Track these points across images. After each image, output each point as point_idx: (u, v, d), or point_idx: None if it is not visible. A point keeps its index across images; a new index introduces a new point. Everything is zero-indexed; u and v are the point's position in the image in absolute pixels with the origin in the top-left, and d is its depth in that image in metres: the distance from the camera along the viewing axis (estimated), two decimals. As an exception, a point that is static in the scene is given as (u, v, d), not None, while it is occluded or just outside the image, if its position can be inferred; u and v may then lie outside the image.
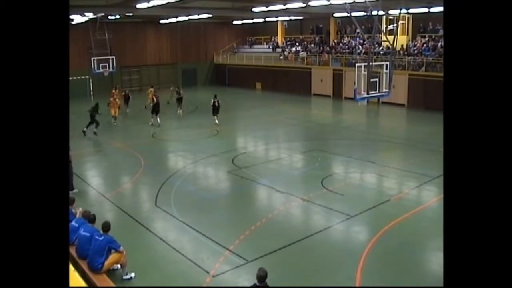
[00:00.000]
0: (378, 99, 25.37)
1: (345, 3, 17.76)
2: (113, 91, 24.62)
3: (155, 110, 21.83)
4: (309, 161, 15.80)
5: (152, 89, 24.78)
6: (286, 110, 26.17)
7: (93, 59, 28.64)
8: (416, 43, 28.17)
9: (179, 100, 24.97)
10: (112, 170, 15.21)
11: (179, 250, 8.85)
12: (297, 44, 37.04)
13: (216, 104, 21.19)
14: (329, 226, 9.94)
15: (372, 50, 22.37)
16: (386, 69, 15.65)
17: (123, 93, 26.20)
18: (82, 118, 19.58)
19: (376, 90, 15.19)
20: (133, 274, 7.83)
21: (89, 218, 8.03)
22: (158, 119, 21.66)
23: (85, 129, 19.29)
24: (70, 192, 11.27)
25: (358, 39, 31.81)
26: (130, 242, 8.70)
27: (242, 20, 37.83)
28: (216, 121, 21.21)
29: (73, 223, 8.07)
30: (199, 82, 40.69)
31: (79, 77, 30.99)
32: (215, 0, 24.34)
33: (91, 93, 33.12)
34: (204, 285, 7.59)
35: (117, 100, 22.86)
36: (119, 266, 7.83)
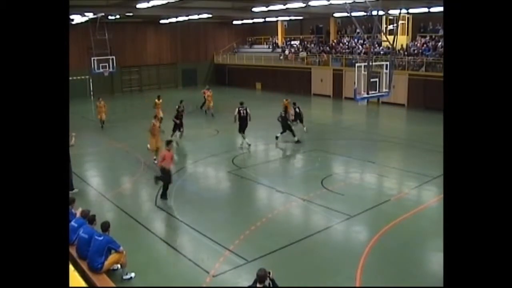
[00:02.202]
0: (378, 99, 25.35)
1: (345, 3, 17.76)
2: (157, 101, 20.01)
3: (243, 127, 16.83)
4: (309, 161, 15.80)
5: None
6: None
7: (93, 59, 28.64)
8: (416, 43, 28.16)
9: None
10: (112, 170, 15.20)
11: (179, 250, 8.85)
12: (296, 42, 37.10)
13: (298, 110, 18.84)
14: (329, 226, 9.94)
15: (372, 50, 22.37)
16: (386, 69, 15.64)
17: (177, 112, 18.24)
18: (83, 119, 19.53)
19: (376, 90, 15.19)
20: (133, 274, 7.83)
21: (88, 218, 8.00)
22: (246, 140, 17.00)
23: (278, 136, 17.71)
24: (70, 192, 11.27)
25: (358, 39, 31.81)
26: (130, 242, 8.71)
27: (242, 20, 37.83)
28: (305, 128, 18.84)
29: (72, 223, 8.07)
30: (199, 82, 40.66)
31: (79, 77, 31.04)
32: (215, 0, 24.33)
33: (91, 93, 33.17)
34: (204, 285, 7.59)
35: (159, 116, 16.49)
36: (119, 266, 7.83)
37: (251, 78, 37.33)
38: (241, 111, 16.69)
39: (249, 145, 16.92)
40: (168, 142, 11.78)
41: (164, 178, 11.40)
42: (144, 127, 20.61)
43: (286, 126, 17.57)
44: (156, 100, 20.68)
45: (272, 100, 30.27)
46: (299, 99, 30.82)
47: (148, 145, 15.33)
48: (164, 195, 11.45)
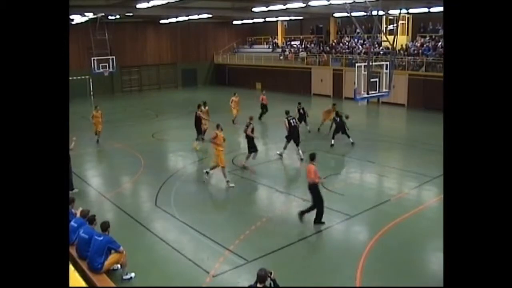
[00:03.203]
0: (378, 99, 25.34)
1: (345, 3, 17.76)
2: (200, 110, 17.42)
3: (294, 137, 15.53)
4: (309, 161, 15.77)
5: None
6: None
7: (93, 59, 28.65)
8: (416, 43, 28.16)
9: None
10: (112, 170, 15.20)
11: (179, 250, 8.85)
12: (296, 42, 37.09)
13: (302, 111, 19.02)
14: (329, 226, 9.93)
15: (372, 50, 22.37)
16: (386, 69, 15.64)
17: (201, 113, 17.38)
18: (83, 119, 19.52)
19: (376, 90, 15.18)
20: (133, 274, 7.83)
21: (88, 218, 7.99)
22: (301, 152, 15.45)
23: (332, 142, 17.21)
24: (70, 192, 11.27)
25: (358, 39, 31.81)
26: (130, 242, 8.70)
27: (242, 20, 37.82)
28: (308, 128, 18.92)
29: (72, 223, 8.06)
30: (199, 82, 40.69)
31: (79, 77, 31.04)
32: (215, 0, 24.33)
33: (91, 93, 33.18)
34: (204, 285, 7.59)
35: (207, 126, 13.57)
36: (119, 266, 7.83)
37: (251, 78, 37.30)
38: (291, 121, 15.74)
39: (302, 158, 15.28)
40: (313, 156, 10.11)
41: (316, 199, 9.80)
42: (144, 128, 20.71)
43: (342, 127, 17.41)
44: (202, 108, 17.90)
45: (273, 100, 30.27)
46: (299, 99, 30.81)
47: (209, 170, 12.98)
48: (319, 218, 9.82)
